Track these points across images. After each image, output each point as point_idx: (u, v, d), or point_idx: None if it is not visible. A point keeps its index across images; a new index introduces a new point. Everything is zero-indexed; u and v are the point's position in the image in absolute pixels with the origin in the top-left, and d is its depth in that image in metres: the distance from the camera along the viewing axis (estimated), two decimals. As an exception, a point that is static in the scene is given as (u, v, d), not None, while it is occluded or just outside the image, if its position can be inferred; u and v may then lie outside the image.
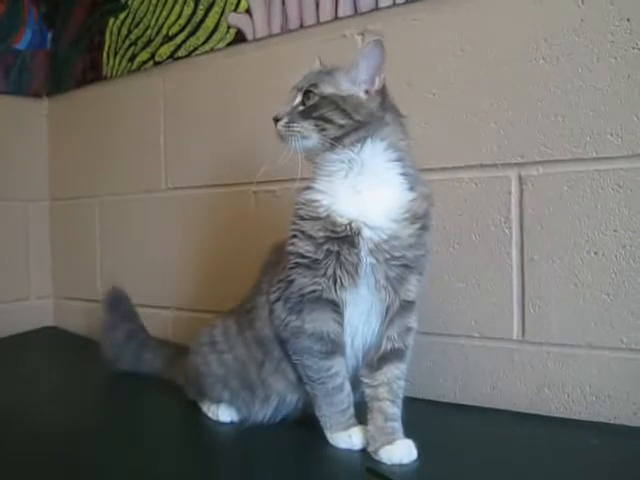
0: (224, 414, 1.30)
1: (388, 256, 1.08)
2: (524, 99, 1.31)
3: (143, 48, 2.00)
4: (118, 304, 1.73)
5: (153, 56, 1.98)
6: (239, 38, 1.75)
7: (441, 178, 1.40)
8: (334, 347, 1.13)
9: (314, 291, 1.11)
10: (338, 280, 1.09)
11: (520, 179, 1.32)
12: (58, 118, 2.40)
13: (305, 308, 1.12)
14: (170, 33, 1.92)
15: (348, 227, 1.07)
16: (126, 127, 2.12)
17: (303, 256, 1.10)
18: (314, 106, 1.09)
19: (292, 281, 1.13)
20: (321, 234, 1.08)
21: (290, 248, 1.13)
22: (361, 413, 1.14)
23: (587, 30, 1.24)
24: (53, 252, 2.43)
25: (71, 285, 2.36)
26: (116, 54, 2.09)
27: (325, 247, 1.08)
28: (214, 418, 1.30)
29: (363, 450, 1.10)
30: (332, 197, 1.09)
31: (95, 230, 2.24)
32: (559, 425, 1.24)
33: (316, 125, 1.08)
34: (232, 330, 1.28)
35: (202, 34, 1.84)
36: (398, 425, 1.10)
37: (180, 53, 1.90)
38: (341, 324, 1.13)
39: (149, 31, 1.98)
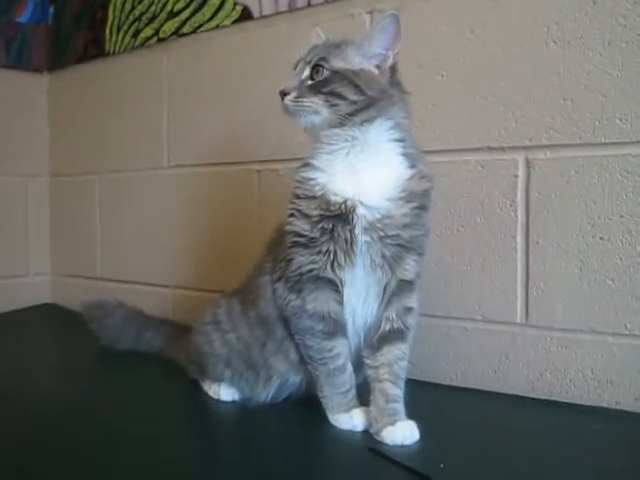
0: (225, 393, 1.30)
1: (382, 234, 1.07)
2: (533, 82, 1.30)
3: (147, 24, 1.98)
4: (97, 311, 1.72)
5: (157, 32, 1.96)
6: (245, 15, 1.74)
7: (448, 160, 1.39)
8: (335, 327, 1.13)
9: (312, 270, 1.11)
10: (334, 258, 1.09)
11: (527, 162, 1.31)
12: (59, 93, 2.38)
13: (305, 288, 1.12)
14: (175, 9, 1.90)
15: (343, 205, 1.07)
16: (128, 103, 2.10)
17: (300, 235, 1.10)
18: (324, 81, 1.08)
19: (291, 260, 1.13)
20: (316, 212, 1.08)
21: (288, 227, 1.13)
22: (364, 394, 1.14)
23: (598, 13, 1.23)
24: (52, 229, 2.43)
25: (70, 262, 2.35)
26: (119, 30, 2.07)
27: (320, 225, 1.08)
28: (215, 397, 1.31)
29: (365, 431, 1.10)
30: (329, 175, 1.09)
31: (95, 207, 2.23)
32: (561, 409, 1.24)
33: (326, 100, 1.07)
34: (236, 310, 1.28)
35: (208, 11, 1.82)
36: (400, 406, 1.10)
37: (185, 29, 1.88)
38: (341, 303, 1.13)
39: (153, 7, 1.96)
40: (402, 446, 1.04)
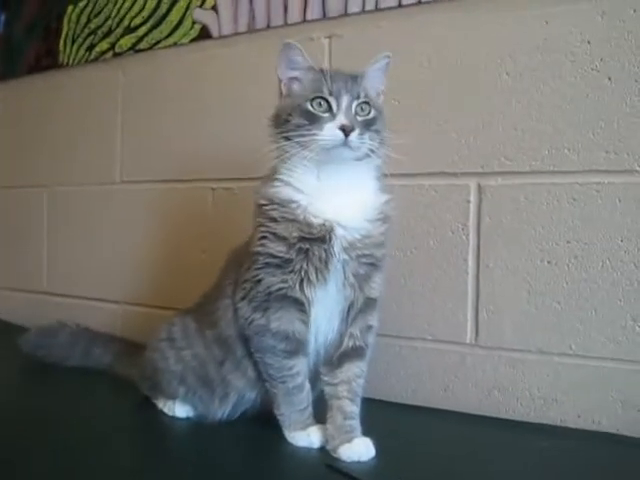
0: (180, 410, 1.29)
1: (360, 253, 1.10)
2: (486, 111, 1.36)
3: (103, 38, 1.97)
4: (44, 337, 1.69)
5: (113, 47, 1.95)
6: (204, 34, 1.75)
7: (402, 184, 1.43)
8: (297, 346, 1.14)
9: (281, 289, 1.11)
10: (307, 277, 1.10)
11: (479, 188, 1.36)
12: (9, 104, 2.34)
13: (271, 307, 1.13)
14: (132, 25, 1.90)
15: (323, 227, 1.08)
16: (81, 116, 2.08)
17: (274, 256, 1.11)
18: (373, 120, 1.11)
19: (259, 281, 1.13)
20: (295, 234, 1.09)
21: (259, 249, 1.12)
22: (319, 411, 1.16)
23: (550, 49, 1.29)
24: (-3, 241, 2.37)
25: (15, 276, 2.30)
26: (74, 42, 2.06)
27: (297, 246, 1.09)
28: (170, 414, 1.30)
29: (321, 448, 1.12)
30: (309, 197, 1.10)
31: (43, 220, 2.19)
32: (508, 426, 1.28)
33: (372, 139, 1.10)
34: (191, 328, 1.28)
35: (166, 28, 1.83)
36: (356, 423, 1.12)
37: (142, 45, 1.88)
38: (306, 323, 1.14)
39: (110, 21, 1.96)
40: (358, 462, 1.06)
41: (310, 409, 1.16)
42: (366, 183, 1.13)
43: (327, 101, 1.08)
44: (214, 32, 1.74)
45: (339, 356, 1.15)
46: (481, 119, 1.36)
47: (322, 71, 1.12)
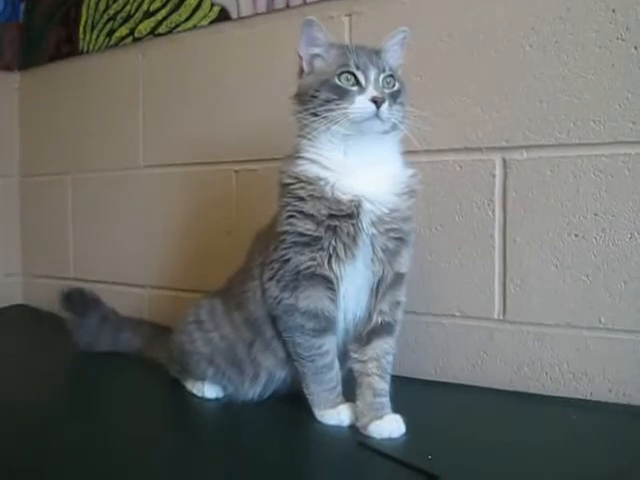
0: (209, 390, 1.31)
1: (388, 227, 1.10)
2: (510, 85, 1.34)
3: (122, 23, 1.98)
4: (78, 300, 1.70)
5: (132, 32, 1.95)
6: (223, 16, 1.75)
7: (426, 160, 1.42)
8: (326, 324, 1.14)
9: (310, 267, 1.11)
10: (335, 254, 1.10)
11: (504, 163, 1.35)
12: (30, 92, 2.36)
13: (300, 286, 1.13)
14: (151, 9, 1.90)
15: (351, 203, 1.08)
16: (102, 102, 2.09)
17: (302, 234, 1.10)
18: (398, 92, 1.12)
19: (287, 260, 1.13)
20: (324, 212, 1.08)
21: (286, 228, 1.12)
22: (348, 390, 1.16)
23: (573, 19, 1.27)
24: (23, 229, 2.40)
25: (42, 263, 2.33)
26: (93, 29, 2.06)
27: (326, 223, 1.09)
28: (199, 395, 1.31)
29: (351, 426, 1.12)
30: (336, 173, 1.09)
31: (67, 207, 2.21)
32: (538, 401, 1.28)
33: (399, 111, 1.10)
34: (219, 310, 1.29)
35: (184, 11, 1.82)
36: (386, 400, 1.12)
37: (161, 29, 1.88)
38: (335, 301, 1.14)
39: (128, 6, 1.96)
40: (389, 439, 1.06)
41: (339, 388, 1.17)
42: (392, 157, 1.14)
43: (354, 75, 1.07)
44: (233, 13, 1.73)
45: (368, 333, 1.16)
46: (505, 93, 1.35)
47: (346, 46, 1.12)
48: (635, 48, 1.22)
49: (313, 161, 1.11)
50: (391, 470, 0.97)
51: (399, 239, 1.13)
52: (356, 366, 1.16)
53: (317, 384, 1.16)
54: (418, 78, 1.44)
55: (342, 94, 1.06)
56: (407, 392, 1.25)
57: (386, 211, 1.10)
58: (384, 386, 1.14)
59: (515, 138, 1.34)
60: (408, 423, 1.09)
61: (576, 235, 1.28)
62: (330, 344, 1.16)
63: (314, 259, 1.11)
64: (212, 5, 1.76)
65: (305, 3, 1.60)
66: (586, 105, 1.27)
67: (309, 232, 1.10)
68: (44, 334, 1.94)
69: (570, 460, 0.97)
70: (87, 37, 2.08)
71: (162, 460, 1.02)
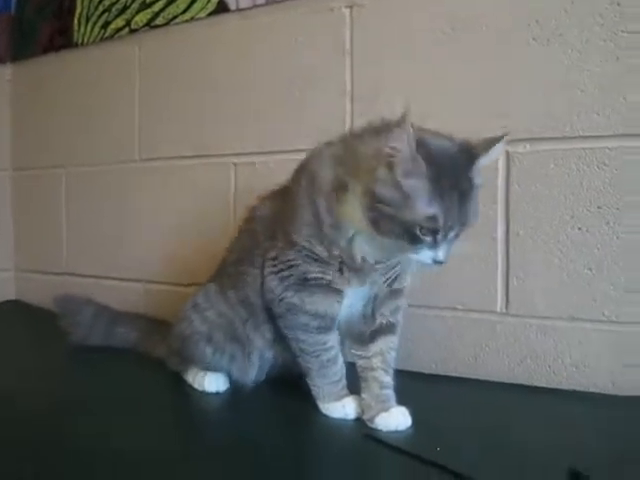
0: (210, 384, 1.29)
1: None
2: (513, 78, 1.34)
3: (118, 15, 1.95)
4: (70, 301, 1.68)
5: (129, 23, 1.93)
6: (221, 8, 1.73)
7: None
8: (331, 323, 1.16)
9: (320, 279, 1.12)
10: (345, 278, 1.12)
11: (507, 155, 1.35)
12: (23, 85, 2.32)
13: (305, 290, 1.14)
14: (147, 0, 1.88)
15: (363, 261, 1.09)
16: (98, 95, 2.06)
17: (315, 254, 1.11)
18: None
19: (296, 265, 1.13)
20: (336, 253, 1.09)
21: (302, 243, 1.11)
22: (350, 384, 1.17)
23: (577, 12, 1.27)
24: (15, 224, 2.36)
25: (35, 258, 2.30)
26: (88, 20, 2.04)
27: (338, 260, 1.10)
28: (200, 388, 1.30)
29: (357, 419, 1.12)
30: (367, 249, 1.08)
31: (61, 202, 2.18)
32: (541, 394, 1.28)
33: None
34: (212, 291, 1.30)
35: (182, 2, 1.80)
36: (392, 393, 1.13)
37: (158, 21, 1.86)
38: (340, 304, 1.15)
39: (124, -2, 1.94)
40: (396, 431, 1.06)
41: (344, 381, 1.17)
42: None
43: (436, 233, 0.97)
44: (231, 5, 1.71)
45: (371, 332, 1.17)
46: (507, 85, 1.34)
47: (442, 194, 0.95)
48: None
49: (354, 226, 1.06)
50: (399, 462, 0.96)
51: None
52: (360, 362, 1.17)
53: (322, 377, 1.16)
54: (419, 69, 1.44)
55: (413, 240, 0.97)
56: (409, 386, 1.23)
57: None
58: (389, 379, 1.14)
59: (518, 131, 1.33)
60: (413, 417, 1.09)
61: (579, 228, 1.28)
62: (334, 340, 1.17)
63: (326, 274, 1.12)
64: (210, -4, 1.75)
65: (305, -5, 1.59)
66: (589, 98, 1.27)
67: (323, 255, 1.10)
68: (37, 330, 1.91)
69: (572, 451, 0.97)
70: (82, 29, 2.06)
71: (163, 455, 1.00)
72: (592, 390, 1.27)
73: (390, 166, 0.95)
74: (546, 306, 1.32)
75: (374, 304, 1.17)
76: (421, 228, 0.95)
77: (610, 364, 1.26)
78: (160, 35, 1.89)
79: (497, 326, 1.37)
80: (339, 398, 1.15)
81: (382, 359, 1.15)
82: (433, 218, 0.95)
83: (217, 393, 1.29)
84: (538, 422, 1.13)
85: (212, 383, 1.30)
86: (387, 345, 1.16)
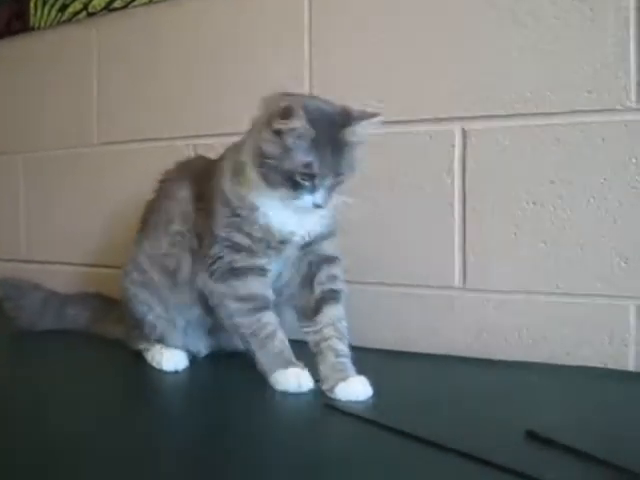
0: (168, 362, 1.29)
1: (310, 244, 1.21)
2: (468, 56, 1.36)
3: (75, -1, 1.93)
4: (13, 286, 1.66)
5: (86, 7, 1.91)
6: (179, -10, 1.72)
7: (386, 131, 1.41)
8: (265, 303, 1.19)
9: (243, 264, 1.19)
10: (267, 258, 1.19)
11: (464, 133, 1.37)
12: (-22, 70, 2.28)
13: (234, 276, 1.19)
14: (105, -17, 1.86)
15: (282, 235, 1.18)
16: (54, 80, 2.04)
17: (238, 244, 1.18)
18: (342, 181, 1.16)
19: (221, 257, 1.19)
20: (259, 235, 1.17)
21: (223, 235, 1.19)
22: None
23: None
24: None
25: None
26: (45, 4, 2.00)
27: (261, 242, 1.18)
28: (158, 367, 1.29)
29: (313, 392, 1.11)
30: (272, 210, 1.16)
31: (19, 188, 2.15)
32: (498, 366, 1.30)
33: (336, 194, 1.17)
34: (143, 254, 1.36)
35: (140, -15, 1.79)
36: (349, 362, 1.13)
37: (116, 4, 1.84)
38: (268, 285, 1.20)
39: (81, -19, 1.92)
40: (356, 402, 1.06)
41: (289, 352, 1.16)
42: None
43: (314, 177, 1.09)
44: (190, -13, 1.71)
45: (315, 303, 1.20)
46: (463, 64, 1.37)
47: (315, 142, 1.08)
48: (591, 20, 1.25)
49: (254, 194, 1.16)
50: (362, 430, 0.95)
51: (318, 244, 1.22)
52: (312, 337, 1.18)
53: (264, 353, 1.16)
54: (378, 47, 1.45)
55: (295, 186, 1.09)
56: (368, 361, 1.22)
57: (308, 240, 1.20)
58: (344, 348, 1.15)
59: (474, 108, 1.35)
60: (373, 389, 1.08)
61: (534, 203, 1.31)
62: (270, 317, 1.18)
63: (249, 259, 1.19)
64: (169, -21, 1.74)
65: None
66: (543, 75, 1.29)
67: (245, 243, 1.18)
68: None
69: (530, 417, 0.98)
70: (38, 13, 2.03)
71: (121, 436, 0.95)
72: (548, 362, 1.29)
73: (273, 126, 1.08)
74: (503, 280, 1.34)
75: (309, 272, 1.22)
76: (301, 175, 1.08)
77: (565, 336, 1.29)
78: (118, 18, 1.87)
79: (455, 301, 1.38)
80: (286, 365, 1.13)
81: (334, 328, 1.16)
82: (309, 165, 1.07)
83: (176, 372, 1.27)
84: (496, 392, 1.15)
85: (170, 361, 1.29)
86: (334, 314, 1.18)
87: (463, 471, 0.79)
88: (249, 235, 1.17)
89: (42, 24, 2.03)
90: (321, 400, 1.07)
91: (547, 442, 0.85)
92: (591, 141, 1.26)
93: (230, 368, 1.28)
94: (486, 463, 0.79)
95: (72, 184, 2.01)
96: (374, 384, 1.09)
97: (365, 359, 1.17)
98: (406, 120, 1.42)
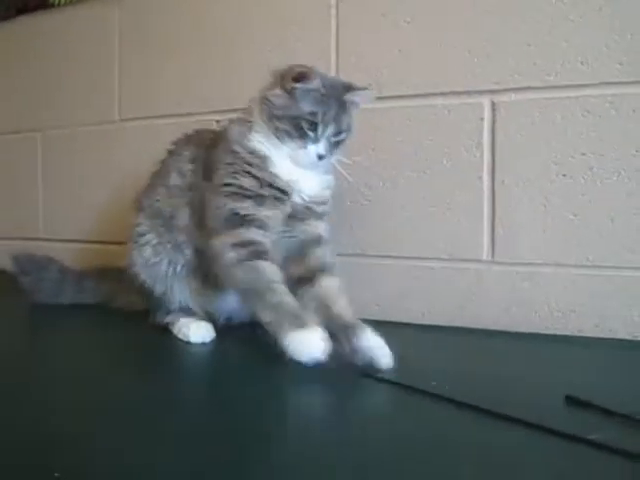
0: (195, 334, 1.29)
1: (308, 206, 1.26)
2: (498, 28, 1.35)
3: (96, -26, 1.92)
4: (29, 261, 1.65)
5: (107, -17, 1.90)
6: (203, -36, 1.72)
7: (414, 105, 1.43)
8: (262, 251, 1.19)
9: (248, 214, 1.21)
10: (272, 210, 1.22)
11: (493, 106, 1.36)
12: (-3, 47, 2.28)
13: (237, 224, 1.21)
14: (127, -41, 1.85)
15: (286, 183, 1.22)
16: (75, 56, 2.03)
17: (246, 189, 1.21)
18: (343, 140, 1.27)
19: (223, 206, 1.22)
20: (267, 179, 1.21)
21: (228, 181, 1.22)
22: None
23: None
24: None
25: (10, 224, 2.26)
26: (63, -21, 2.00)
27: (266, 187, 1.21)
28: (185, 339, 1.29)
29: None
30: (279, 159, 1.22)
31: (37, 166, 2.15)
32: (528, 339, 1.30)
33: (337, 154, 1.27)
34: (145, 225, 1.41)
35: (163, -40, 1.78)
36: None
37: (138, -20, 1.84)
38: (267, 237, 1.22)
39: (102, -44, 1.91)
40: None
41: (300, 311, 1.11)
42: (323, 168, 1.26)
43: (317, 126, 1.19)
44: (214, -38, 1.70)
45: (309, 272, 1.22)
46: (493, 36, 1.36)
47: (322, 92, 1.20)
48: (623, -9, 1.24)
49: (263, 144, 1.23)
50: (405, 398, 0.96)
51: (312, 211, 1.26)
52: (312, 304, 1.18)
53: (273, 312, 1.11)
54: (405, 23, 1.44)
55: (301, 134, 1.20)
56: (398, 335, 1.23)
57: (307, 198, 1.25)
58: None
59: (504, 81, 1.35)
60: (400, 363, 1.06)
61: (564, 175, 1.30)
62: (269, 267, 1.17)
63: (254, 208, 1.21)
64: (192, -46, 1.73)
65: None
66: (573, 47, 1.29)
67: (252, 188, 1.21)
68: (11, 294, 1.85)
69: (567, 385, 0.98)
70: (57, -11, 2.02)
71: (144, 408, 0.93)
72: (577, 334, 1.30)
73: (287, 86, 1.20)
74: (532, 253, 1.34)
75: (299, 251, 1.25)
76: (306, 121, 1.19)
77: (594, 308, 1.29)
78: (139, -5, 1.86)
79: (484, 274, 1.38)
80: (301, 325, 1.07)
81: (337, 292, 1.19)
82: (314, 114, 1.19)
83: (203, 344, 1.27)
84: (530, 362, 1.15)
85: (197, 334, 1.29)
86: (333, 284, 1.20)
87: (512, 435, 0.80)
88: (259, 180, 1.21)
89: (62, 1, 2.02)
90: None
91: (586, 405, 0.87)
92: (622, 113, 1.25)
93: (252, 339, 1.22)
94: (533, 426, 0.80)
95: (92, 162, 2.01)
96: (402, 356, 1.07)
97: (395, 332, 1.17)
98: (435, 93, 1.42)
